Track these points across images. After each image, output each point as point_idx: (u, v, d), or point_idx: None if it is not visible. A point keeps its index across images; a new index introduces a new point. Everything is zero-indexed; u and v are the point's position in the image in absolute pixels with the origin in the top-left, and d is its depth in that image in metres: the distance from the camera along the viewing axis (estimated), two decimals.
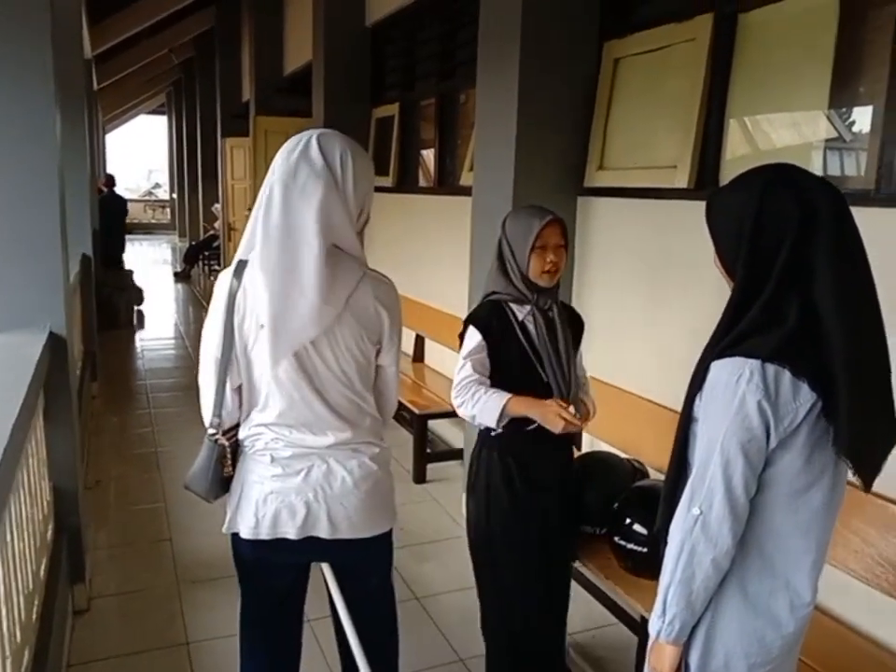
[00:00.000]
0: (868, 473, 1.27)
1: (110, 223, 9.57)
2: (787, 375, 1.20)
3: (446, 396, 4.43)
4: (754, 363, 1.20)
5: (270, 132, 6.85)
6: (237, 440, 1.73)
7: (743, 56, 2.72)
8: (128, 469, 4.37)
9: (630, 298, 3.15)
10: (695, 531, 1.25)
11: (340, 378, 1.66)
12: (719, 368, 1.25)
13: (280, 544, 1.70)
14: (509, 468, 2.10)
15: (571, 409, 2.00)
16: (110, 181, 10.29)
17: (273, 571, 1.79)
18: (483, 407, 2.00)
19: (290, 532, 1.68)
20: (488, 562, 2.17)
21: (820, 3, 2.44)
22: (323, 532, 1.69)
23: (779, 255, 1.21)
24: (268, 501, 1.68)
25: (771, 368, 1.20)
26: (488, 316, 2.09)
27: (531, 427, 2.01)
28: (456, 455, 4.30)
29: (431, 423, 4.46)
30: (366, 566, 1.84)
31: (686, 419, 1.34)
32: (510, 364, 2.06)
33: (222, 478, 1.73)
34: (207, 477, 1.71)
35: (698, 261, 2.80)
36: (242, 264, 1.63)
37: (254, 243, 1.61)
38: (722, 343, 1.26)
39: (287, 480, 1.67)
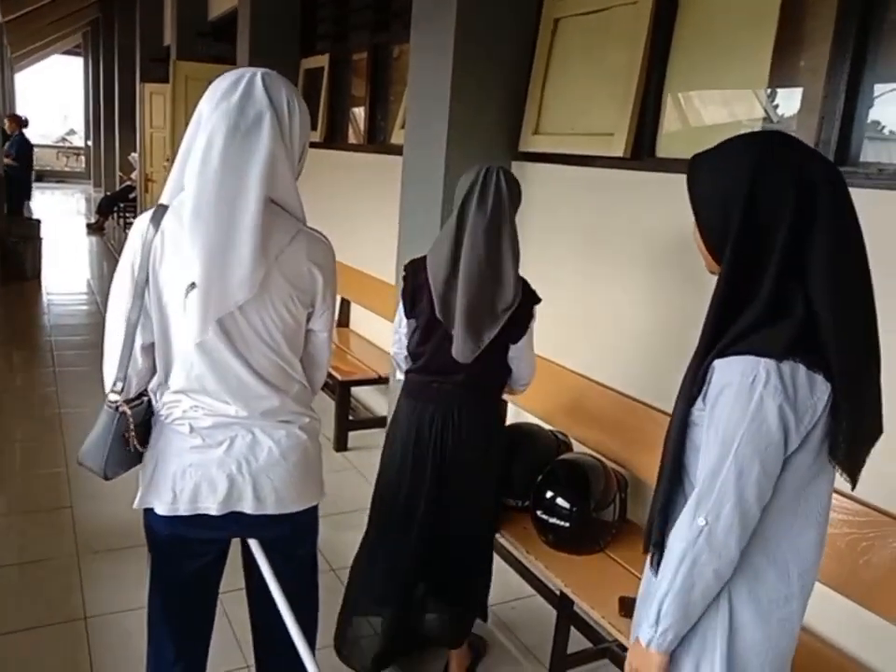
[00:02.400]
0: (855, 470, 1.22)
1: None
2: (802, 370, 1.11)
3: (371, 362, 4.37)
4: (769, 363, 1.10)
5: (191, 78, 6.46)
6: (146, 408, 1.57)
7: (685, 23, 2.65)
8: (28, 432, 4.11)
9: (562, 267, 3.09)
10: (699, 542, 1.17)
11: (266, 341, 1.52)
12: (727, 368, 1.15)
13: (200, 520, 1.56)
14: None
15: None
16: (19, 122, 9.50)
17: (190, 550, 1.65)
18: None
19: (211, 507, 1.54)
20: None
21: None
22: (247, 507, 1.56)
23: (776, 238, 1.11)
24: (186, 475, 1.53)
25: (787, 366, 1.11)
26: None
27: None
28: (380, 422, 4.20)
29: (354, 389, 4.36)
30: (291, 542, 1.72)
31: (681, 424, 1.23)
32: None
33: (124, 453, 1.56)
34: (104, 451, 1.54)
35: (632, 232, 2.75)
36: (161, 209, 1.46)
37: (180, 188, 1.45)
38: (724, 340, 1.15)
39: (207, 451, 1.53)
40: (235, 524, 1.60)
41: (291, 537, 1.71)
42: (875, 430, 1.24)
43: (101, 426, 1.55)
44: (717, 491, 1.15)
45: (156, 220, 1.46)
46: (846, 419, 1.14)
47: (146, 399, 1.58)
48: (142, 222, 1.49)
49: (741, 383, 1.12)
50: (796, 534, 1.22)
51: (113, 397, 1.53)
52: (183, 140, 1.49)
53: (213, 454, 1.54)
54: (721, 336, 1.16)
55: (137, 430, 1.56)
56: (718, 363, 1.16)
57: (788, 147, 1.16)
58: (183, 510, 1.55)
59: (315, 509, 1.72)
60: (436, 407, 2.14)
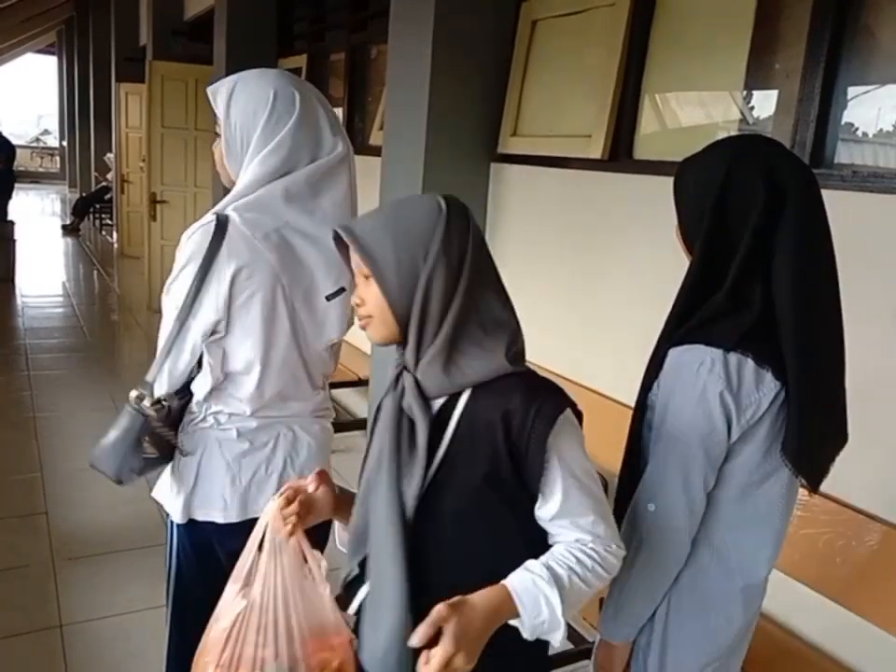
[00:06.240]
0: (814, 474, 1.22)
1: None
2: (750, 364, 1.12)
3: (351, 365, 4.35)
4: (716, 352, 1.12)
5: (167, 77, 6.38)
6: (171, 412, 1.49)
7: (662, 25, 2.67)
8: (1, 436, 4.03)
9: (540, 268, 3.10)
10: (650, 527, 1.18)
11: (324, 338, 1.58)
12: (678, 356, 1.17)
13: (249, 526, 1.50)
14: None
15: None
16: None
17: (231, 560, 1.62)
18: None
19: (261, 510, 1.51)
20: None
21: None
22: None
23: (743, 235, 1.12)
24: (236, 480, 1.52)
25: (734, 357, 1.12)
26: None
27: None
28: (360, 424, 4.19)
29: (335, 392, 4.34)
30: (321, 539, 1.70)
31: (641, 408, 1.26)
32: None
33: (140, 458, 1.49)
34: (120, 453, 1.46)
35: (608, 233, 2.76)
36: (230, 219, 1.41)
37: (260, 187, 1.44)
38: (682, 330, 1.17)
39: (254, 454, 1.53)
40: None
41: (320, 534, 1.70)
42: (838, 437, 1.24)
43: (123, 427, 1.46)
44: (664, 476, 1.17)
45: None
46: (797, 418, 1.14)
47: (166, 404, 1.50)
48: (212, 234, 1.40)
49: (688, 371, 1.14)
50: (741, 532, 1.22)
51: (154, 399, 1.46)
52: (276, 148, 1.44)
53: (259, 455, 1.54)
54: (683, 325, 1.18)
55: (165, 433, 1.49)
56: (672, 351, 1.18)
57: (763, 148, 1.19)
58: (235, 516, 1.52)
59: None
60: None
